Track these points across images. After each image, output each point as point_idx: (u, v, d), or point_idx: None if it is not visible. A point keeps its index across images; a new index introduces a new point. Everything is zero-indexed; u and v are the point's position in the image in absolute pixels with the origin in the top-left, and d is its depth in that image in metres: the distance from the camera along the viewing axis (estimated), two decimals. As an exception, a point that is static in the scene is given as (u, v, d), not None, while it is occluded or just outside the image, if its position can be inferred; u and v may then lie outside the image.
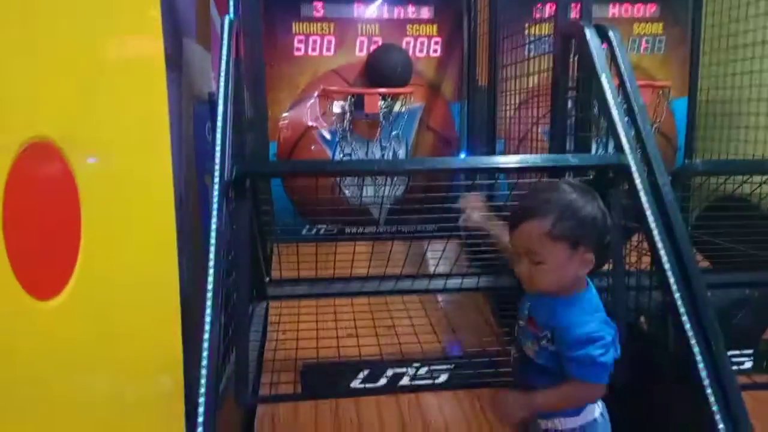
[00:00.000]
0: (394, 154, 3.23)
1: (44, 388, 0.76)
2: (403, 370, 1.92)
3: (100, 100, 0.95)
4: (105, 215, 0.93)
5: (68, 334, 0.81)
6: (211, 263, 1.40)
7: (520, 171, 1.72)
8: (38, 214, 0.75)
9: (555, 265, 1.18)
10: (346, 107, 3.12)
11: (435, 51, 3.25)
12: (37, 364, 0.74)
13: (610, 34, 1.82)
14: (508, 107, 2.85)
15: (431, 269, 2.48)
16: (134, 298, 1.07)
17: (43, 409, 0.76)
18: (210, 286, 1.37)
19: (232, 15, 1.87)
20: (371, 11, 3.16)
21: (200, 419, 1.23)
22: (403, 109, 3.17)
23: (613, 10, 3.31)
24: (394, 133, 3.22)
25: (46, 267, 0.77)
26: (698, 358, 1.43)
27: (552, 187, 1.24)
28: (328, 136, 3.21)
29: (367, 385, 1.94)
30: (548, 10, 2.26)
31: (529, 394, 1.23)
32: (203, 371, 1.28)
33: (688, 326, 1.45)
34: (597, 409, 1.32)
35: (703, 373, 1.41)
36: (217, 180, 1.51)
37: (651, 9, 3.34)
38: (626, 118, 1.72)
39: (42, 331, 0.74)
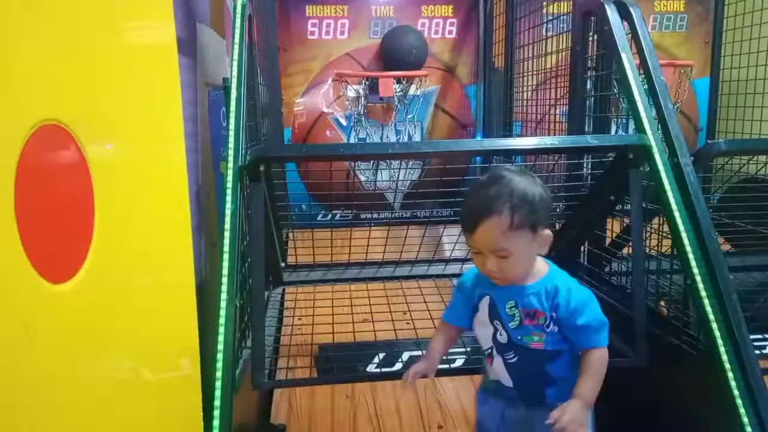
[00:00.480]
0: (410, 137, 3.20)
1: (59, 371, 0.76)
2: (419, 353, 1.91)
3: (112, 85, 0.95)
4: (118, 199, 0.93)
5: (82, 318, 0.81)
6: (226, 248, 1.40)
7: (538, 153, 1.69)
8: (51, 197, 0.75)
9: (521, 254, 1.19)
10: (361, 91, 3.09)
11: (450, 32, 3.20)
12: (51, 346, 0.74)
13: (632, 11, 1.77)
14: (525, 89, 2.80)
15: (447, 254, 2.46)
16: (148, 282, 1.07)
17: (59, 391, 0.76)
18: (225, 271, 1.37)
19: (244, -2, 1.85)
20: (385, -8, 3.12)
21: (217, 403, 1.24)
22: (418, 93, 3.14)
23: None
24: (409, 116, 3.19)
25: (60, 250, 0.77)
26: (720, 342, 1.40)
27: (493, 179, 1.21)
28: (343, 121, 3.19)
29: (383, 370, 1.94)
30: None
31: (575, 400, 1.18)
32: (219, 355, 1.29)
33: (709, 310, 1.42)
34: None
35: (725, 358, 1.38)
36: (231, 165, 1.51)
37: (674, -14, 3.25)
38: (647, 98, 1.68)
39: (56, 314, 0.75)
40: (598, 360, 1.21)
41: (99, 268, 0.84)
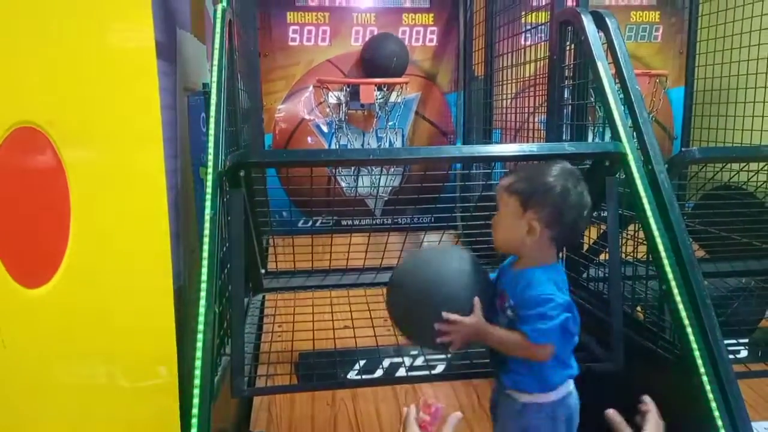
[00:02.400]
0: (390, 144, 3.21)
1: (33, 377, 0.75)
2: (399, 360, 1.92)
3: (89, 88, 0.94)
4: (95, 204, 0.92)
5: (57, 324, 0.80)
6: (205, 254, 1.39)
7: (516, 160, 1.71)
8: (25, 201, 0.74)
9: (505, 219, 1.28)
10: (342, 98, 3.10)
11: (431, 40, 3.23)
12: (26, 352, 0.73)
13: (607, 20, 1.81)
14: (504, 97, 2.83)
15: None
16: (125, 288, 1.06)
17: (33, 397, 0.75)
18: (204, 277, 1.36)
19: (225, 3, 1.84)
20: (367, 0, 3.14)
21: (195, 411, 1.22)
22: (399, 100, 3.15)
23: (611, 0, 3.30)
24: (390, 123, 3.20)
25: (34, 255, 0.76)
26: (695, 347, 1.42)
27: (545, 163, 1.32)
28: (324, 128, 3.19)
29: (364, 376, 1.94)
30: (544, -3, 2.24)
31: (477, 318, 1.25)
32: (197, 362, 1.27)
33: (684, 315, 1.45)
34: (568, 387, 1.33)
35: (700, 362, 1.41)
36: (210, 170, 1.50)
37: (648, -2, 3.33)
38: (623, 107, 1.71)
39: (30, 319, 0.73)
40: (519, 340, 1.21)
41: (74, 274, 0.83)
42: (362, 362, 1.89)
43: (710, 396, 1.38)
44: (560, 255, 2.19)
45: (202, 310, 1.33)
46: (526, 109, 2.62)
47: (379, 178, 3.10)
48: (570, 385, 1.34)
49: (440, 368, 1.91)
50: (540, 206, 1.23)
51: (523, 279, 1.26)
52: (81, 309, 0.87)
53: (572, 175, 1.27)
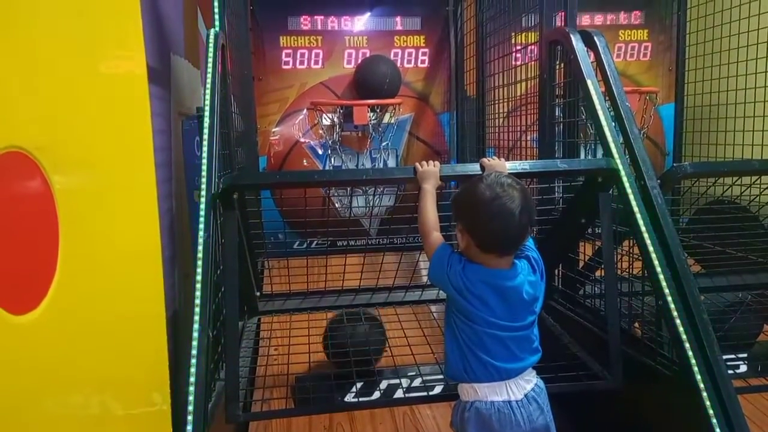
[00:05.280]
0: (384, 164, 3.22)
1: (22, 405, 0.74)
2: (397, 381, 1.90)
3: (80, 113, 0.94)
4: (84, 229, 0.92)
5: (45, 351, 0.79)
6: (199, 277, 1.38)
7: (510, 178, 1.71)
8: (13, 226, 0.73)
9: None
10: (336, 119, 3.12)
11: (423, 62, 3.26)
12: (14, 380, 0.71)
13: (596, 39, 1.83)
14: (496, 116, 2.85)
15: (424, 280, 2.46)
16: (116, 314, 1.05)
17: (22, 427, 0.73)
18: (198, 301, 1.35)
19: (217, 28, 1.86)
20: (359, 23, 3.18)
21: (188, 437, 1.21)
22: (392, 120, 3.17)
23: (598, 19, 3.34)
24: (383, 144, 3.22)
25: (22, 281, 0.75)
26: (693, 362, 1.41)
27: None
28: (318, 150, 3.20)
29: (361, 399, 1.92)
30: (534, 18, 2.27)
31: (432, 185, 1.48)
32: (191, 388, 1.26)
33: (682, 330, 1.44)
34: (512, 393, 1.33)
35: (699, 377, 1.40)
36: (204, 193, 1.50)
37: (636, 16, 3.37)
38: (614, 123, 1.72)
39: (17, 347, 0.72)
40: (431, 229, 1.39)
41: (63, 300, 0.82)
42: (359, 384, 1.87)
43: (710, 412, 1.36)
44: (556, 272, 2.19)
45: (195, 334, 1.32)
46: (519, 128, 2.64)
47: (374, 198, 3.10)
48: (500, 394, 1.32)
49: (438, 389, 1.89)
50: (462, 217, 1.32)
51: None
52: (70, 336, 0.86)
53: (499, 185, 1.30)
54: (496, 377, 1.30)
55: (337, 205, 3.15)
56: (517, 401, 1.29)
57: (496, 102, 2.81)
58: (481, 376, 1.30)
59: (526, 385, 1.32)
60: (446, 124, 3.33)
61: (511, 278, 1.31)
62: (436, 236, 1.39)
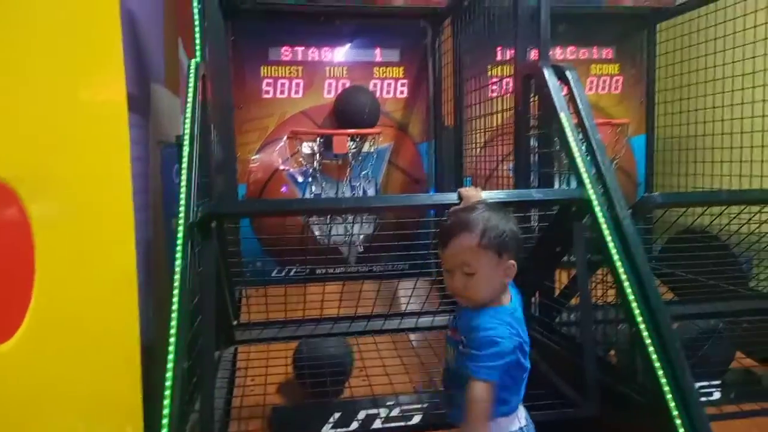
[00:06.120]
0: (364, 193, 3.24)
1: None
2: (375, 411, 1.88)
3: (58, 141, 0.94)
4: (60, 258, 0.91)
5: (18, 382, 0.78)
6: (174, 306, 1.37)
7: (486, 207, 1.74)
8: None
9: (485, 274, 1.27)
10: (315, 148, 3.14)
11: (402, 92, 3.32)
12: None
13: (567, 73, 1.89)
14: (474, 146, 2.90)
15: (403, 308, 2.46)
16: (90, 345, 1.03)
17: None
18: (173, 330, 1.33)
19: (199, 58, 1.88)
20: (339, 54, 3.23)
21: (161, 471, 1.18)
22: (372, 150, 3.21)
23: (571, 51, 3.45)
24: (363, 173, 3.24)
25: (-6, 312, 0.74)
26: (666, 389, 1.43)
27: (469, 209, 1.35)
28: (298, 178, 3.21)
29: (339, 430, 1.89)
30: (509, 52, 2.34)
31: None
32: (164, 420, 1.24)
33: (654, 357, 1.46)
34: (521, 421, 1.33)
35: (672, 404, 1.41)
36: (182, 221, 1.49)
37: (607, 51, 3.49)
38: (586, 154, 1.77)
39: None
40: (473, 394, 1.22)
41: (37, 330, 0.81)
42: (337, 415, 1.85)
43: (684, 439, 1.38)
44: (533, 300, 2.21)
45: (170, 365, 1.30)
46: (496, 157, 2.69)
47: (353, 226, 3.11)
48: (514, 424, 1.32)
49: (417, 419, 1.88)
50: (510, 247, 1.29)
51: (476, 317, 1.28)
52: (43, 367, 0.85)
53: (503, 211, 1.34)
54: (514, 409, 1.31)
55: (316, 233, 3.16)
56: (525, 427, 1.33)
57: (474, 132, 2.87)
58: (501, 411, 1.30)
59: (524, 409, 1.35)
60: (425, 154, 3.37)
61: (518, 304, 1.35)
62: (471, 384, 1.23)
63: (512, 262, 1.29)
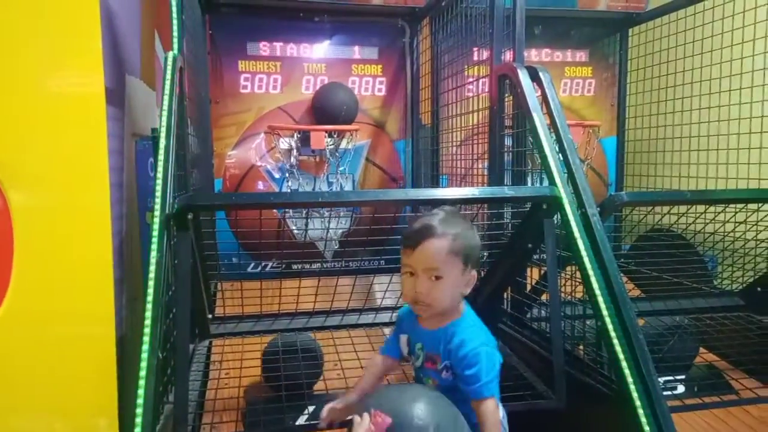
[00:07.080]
0: (341, 189, 3.26)
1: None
2: (349, 404, 1.90)
3: (37, 132, 0.95)
4: (38, 247, 0.92)
5: (-8, 370, 0.78)
6: (149, 298, 1.37)
7: (461, 203, 1.78)
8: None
9: (452, 281, 1.28)
10: (293, 144, 3.15)
11: (380, 90, 3.35)
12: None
13: (541, 75, 1.94)
14: (450, 144, 2.94)
15: (378, 302, 2.49)
16: (65, 335, 1.04)
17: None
18: (147, 322, 1.33)
19: (176, 51, 1.88)
20: (318, 51, 3.24)
21: (135, 461, 1.19)
22: (349, 146, 3.23)
23: (546, 52, 3.52)
24: (340, 169, 3.26)
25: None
26: (630, 381, 1.48)
27: (436, 214, 1.33)
28: (275, 173, 3.22)
29: (313, 422, 1.91)
30: (485, 53, 2.38)
31: None
32: (138, 410, 1.24)
33: (619, 350, 1.52)
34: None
35: (635, 396, 1.47)
36: (158, 212, 1.49)
37: (581, 54, 3.56)
38: (558, 154, 1.82)
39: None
40: (488, 413, 1.24)
41: (12, 320, 0.82)
42: (311, 408, 1.86)
43: (646, 429, 1.43)
44: (505, 296, 2.26)
45: (144, 356, 1.30)
46: (471, 156, 2.73)
47: (329, 221, 3.12)
48: None
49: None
50: (472, 257, 1.31)
51: (453, 334, 1.29)
52: (18, 358, 0.86)
53: (468, 221, 1.36)
54: None
55: (293, 228, 3.16)
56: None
57: (450, 131, 2.90)
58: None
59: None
60: (402, 151, 3.40)
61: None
62: (484, 404, 1.25)
63: (474, 273, 1.32)
